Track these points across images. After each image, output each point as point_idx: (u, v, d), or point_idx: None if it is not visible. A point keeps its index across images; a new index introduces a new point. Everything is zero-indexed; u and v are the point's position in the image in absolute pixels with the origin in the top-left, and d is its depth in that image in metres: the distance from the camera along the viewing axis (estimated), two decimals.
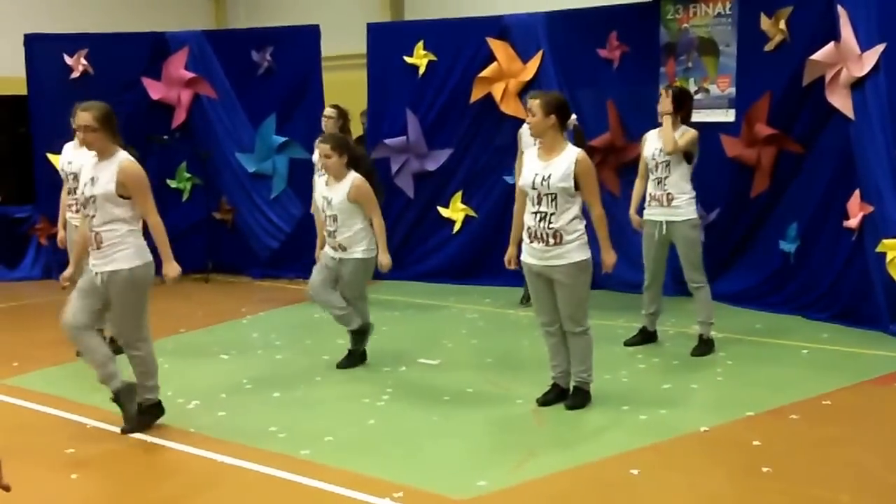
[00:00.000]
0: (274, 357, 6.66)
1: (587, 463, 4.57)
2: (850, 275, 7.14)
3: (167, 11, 12.27)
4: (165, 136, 9.60)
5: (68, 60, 9.53)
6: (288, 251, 9.55)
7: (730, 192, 7.87)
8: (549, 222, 5.04)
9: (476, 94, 8.97)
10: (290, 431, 5.05)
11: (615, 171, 8.45)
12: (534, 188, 5.07)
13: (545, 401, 5.38)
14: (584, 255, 5.09)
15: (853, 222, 7.01)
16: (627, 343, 6.68)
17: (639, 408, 5.31)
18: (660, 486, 4.27)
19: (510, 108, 8.79)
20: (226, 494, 4.35)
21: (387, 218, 6.45)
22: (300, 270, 9.42)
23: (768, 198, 7.78)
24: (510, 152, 8.03)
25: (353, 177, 6.05)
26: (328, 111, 8.19)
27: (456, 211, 9.27)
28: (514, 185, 6.22)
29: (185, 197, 9.88)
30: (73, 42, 9.62)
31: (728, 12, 7.89)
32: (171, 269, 5.00)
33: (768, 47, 7.60)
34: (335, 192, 6.03)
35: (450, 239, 9.34)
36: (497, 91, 8.86)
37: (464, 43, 9.01)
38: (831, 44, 7.01)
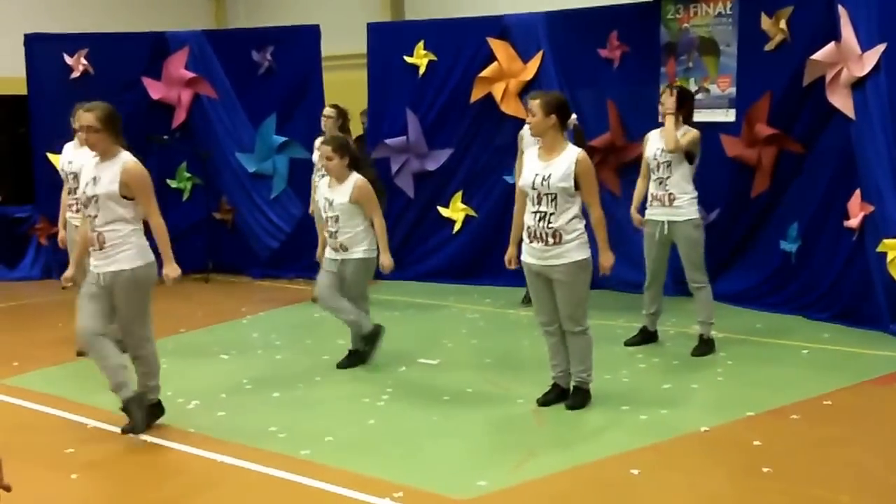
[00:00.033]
0: (274, 357, 6.66)
1: (587, 463, 4.56)
2: (851, 275, 7.13)
3: (167, 11, 12.28)
4: (165, 136, 9.60)
5: (68, 60, 9.53)
6: (288, 251, 9.56)
7: (730, 192, 7.87)
8: (549, 222, 5.04)
9: (476, 94, 8.96)
10: (290, 431, 5.05)
11: (615, 171, 8.44)
12: (534, 188, 5.07)
13: (545, 401, 5.38)
14: (584, 254, 5.09)
15: (854, 222, 7.00)
16: (628, 343, 6.68)
17: (639, 408, 5.31)
18: (660, 487, 4.27)
19: (510, 108, 8.79)
20: (226, 495, 4.34)
21: (387, 218, 6.45)
22: (300, 270, 9.45)
23: (769, 198, 7.78)
24: (510, 152, 8.02)
25: (356, 178, 6.05)
26: (327, 111, 8.19)
27: (456, 211, 9.27)
28: (514, 185, 6.22)
29: (185, 197, 9.89)
30: (73, 42, 9.62)
31: (728, 12, 7.88)
32: (172, 270, 5.00)
33: (769, 47, 7.60)
34: (337, 194, 6.04)
35: (450, 239, 9.34)
36: (497, 91, 8.85)
37: (464, 43, 9.01)
38: (832, 44, 7.00)
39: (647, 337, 6.71)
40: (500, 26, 8.91)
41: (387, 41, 9.41)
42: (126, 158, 4.88)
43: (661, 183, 6.35)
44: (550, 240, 5.05)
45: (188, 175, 9.87)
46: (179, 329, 7.42)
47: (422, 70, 9.18)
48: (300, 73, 9.50)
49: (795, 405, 5.33)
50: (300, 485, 4.33)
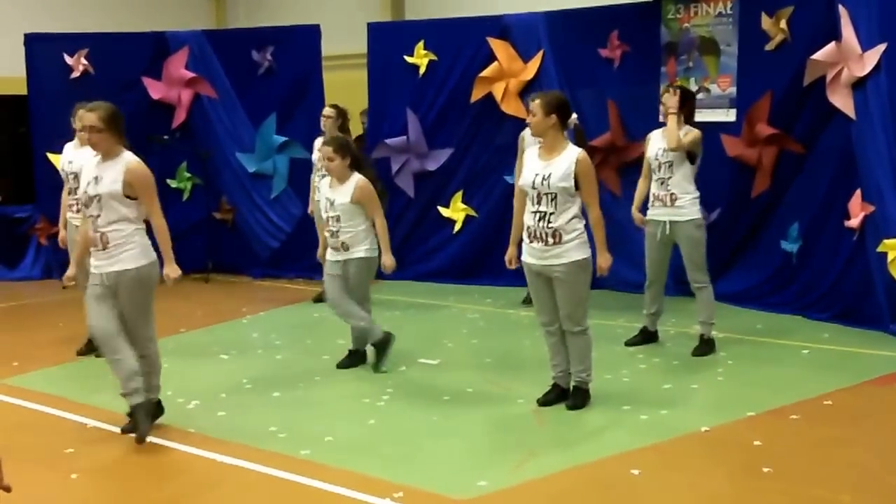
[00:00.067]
0: (274, 357, 6.66)
1: (588, 463, 4.56)
2: (852, 275, 7.13)
3: (167, 11, 12.28)
4: (166, 136, 9.59)
5: (68, 60, 9.53)
6: (288, 251, 9.56)
7: (731, 191, 7.87)
8: (549, 222, 5.03)
9: (476, 94, 8.96)
10: (290, 431, 5.05)
11: (616, 171, 8.44)
12: (534, 188, 5.07)
13: (546, 401, 5.37)
14: (584, 253, 5.09)
15: (854, 222, 7.00)
16: (628, 343, 6.67)
17: (639, 408, 5.31)
18: (660, 487, 4.27)
19: (511, 107, 8.78)
20: (226, 494, 4.34)
21: (387, 218, 6.44)
22: (300, 270, 9.46)
23: (769, 198, 7.78)
24: (511, 152, 8.02)
25: (357, 178, 6.05)
26: (327, 111, 8.19)
27: (456, 211, 9.27)
28: (514, 185, 6.22)
29: (185, 197, 9.88)
30: (73, 42, 9.61)
31: (729, 12, 7.88)
32: (172, 270, 4.99)
33: (769, 47, 7.59)
34: (338, 194, 6.03)
35: (450, 239, 9.33)
36: (497, 91, 8.85)
37: (464, 42, 9.00)
38: (832, 43, 7.00)
39: (647, 337, 6.71)
40: (500, 26, 8.91)
41: (387, 41, 9.40)
42: (129, 158, 4.88)
43: (662, 183, 6.34)
44: (550, 240, 5.05)
45: (188, 175, 9.87)
46: (179, 329, 7.41)
47: (422, 70, 9.18)
48: (300, 72, 9.49)
49: (796, 405, 5.32)
50: (300, 485, 4.33)
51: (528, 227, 5.14)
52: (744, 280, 7.88)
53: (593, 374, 5.40)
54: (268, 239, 9.72)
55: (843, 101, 7.03)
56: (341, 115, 8.15)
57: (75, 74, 9.51)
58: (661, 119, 6.71)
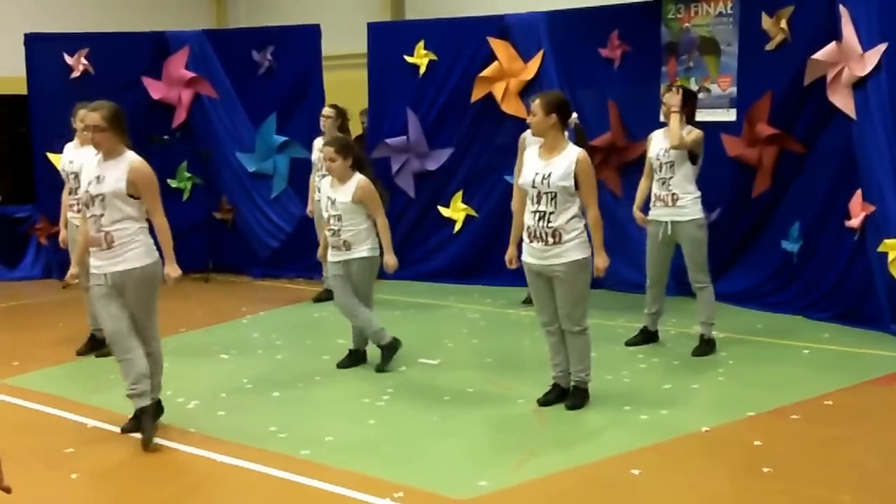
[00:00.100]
0: (274, 357, 6.65)
1: (588, 463, 4.56)
2: (853, 275, 7.13)
3: (168, 11, 12.28)
4: (166, 136, 9.59)
5: (69, 60, 9.52)
6: (288, 251, 9.55)
7: (731, 191, 7.86)
8: (549, 221, 5.03)
9: (477, 94, 8.96)
10: (290, 431, 5.04)
11: (616, 171, 8.44)
12: (534, 187, 5.06)
13: (546, 401, 5.37)
14: (583, 253, 5.08)
15: (855, 222, 7.00)
16: (628, 343, 6.67)
17: (640, 408, 5.30)
18: (661, 487, 4.27)
19: (511, 107, 8.78)
20: (226, 494, 4.34)
21: (388, 217, 6.43)
22: (301, 270, 9.46)
23: (770, 197, 7.77)
24: (511, 152, 8.01)
25: (359, 178, 6.04)
26: (326, 111, 8.20)
27: (457, 210, 9.27)
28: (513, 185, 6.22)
29: (185, 196, 9.88)
30: (73, 42, 9.61)
31: (729, 11, 7.88)
32: (173, 270, 4.98)
33: (770, 47, 7.59)
34: (340, 193, 6.03)
35: (450, 238, 9.33)
36: (498, 90, 8.85)
37: (464, 42, 9.00)
38: (833, 43, 7.00)
39: (647, 337, 6.70)
40: (500, 26, 8.91)
41: (387, 41, 9.40)
42: (133, 157, 4.88)
43: (664, 183, 6.34)
44: (550, 239, 5.04)
45: (188, 175, 9.87)
46: (179, 329, 7.41)
47: (422, 70, 9.18)
48: (300, 72, 9.49)
49: (796, 405, 5.32)
50: (300, 485, 4.33)
51: (528, 227, 5.14)
52: (744, 280, 7.88)
53: (593, 374, 5.39)
54: (268, 239, 9.71)
55: (843, 100, 7.02)
56: (341, 115, 8.15)
57: (75, 74, 9.50)
58: (661, 119, 6.71)
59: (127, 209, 4.82)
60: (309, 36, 9.46)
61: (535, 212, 5.09)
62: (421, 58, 9.17)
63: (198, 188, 9.88)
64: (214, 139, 9.72)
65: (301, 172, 9.07)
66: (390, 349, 6.23)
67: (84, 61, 9.51)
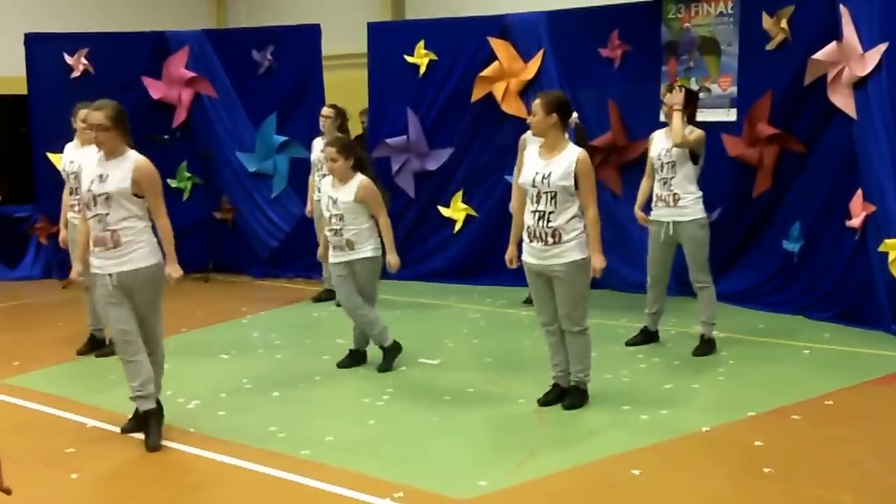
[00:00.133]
0: (274, 357, 6.65)
1: (588, 463, 4.56)
2: (853, 274, 7.12)
3: (168, 11, 12.27)
4: (166, 136, 9.58)
5: (69, 60, 9.52)
6: (288, 250, 9.55)
7: (732, 191, 7.85)
8: (548, 221, 5.03)
9: (477, 94, 8.95)
10: (290, 431, 5.04)
11: (617, 171, 8.43)
12: (534, 186, 5.06)
13: (546, 401, 5.37)
14: (583, 253, 5.07)
15: (856, 222, 6.99)
16: (629, 343, 6.66)
17: (640, 408, 5.30)
18: (661, 487, 4.26)
19: (511, 107, 8.78)
20: (226, 494, 4.34)
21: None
22: (300, 270, 9.46)
23: (770, 197, 7.77)
24: (511, 151, 8.00)
25: (361, 178, 6.04)
26: (326, 111, 8.20)
27: (457, 210, 9.26)
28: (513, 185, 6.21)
29: (185, 196, 9.87)
30: (73, 41, 9.61)
31: (730, 11, 7.87)
32: (175, 270, 4.97)
33: (770, 46, 7.59)
34: (341, 192, 6.02)
35: (451, 238, 9.33)
36: (498, 90, 8.85)
37: (465, 42, 9.00)
38: (833, 43, 6.99)
39: (648, 337, 6.70)
40: (500, 25, 8.91)
41: (387, 40, 9.40)
42: (137, 156, 4.88)
43: (665, 183, 6.34)
44: (550, 239, 5.04)
45: (189, 174, 9.86)
46: (179, 329, 7.40)
47: (422, 69, 9.17)
48: (301, 72, 9.49)
49: (797, 405, 5.32)
50: (300, 485, 4.32)
51: (528, 227, 5.13)
52: (745, 280, 7.87)
53: (593, 374, 5.39)
54: (268, 238, 9.71)
55: (844, 100, 7.02)
56: (340, 115, 8.15)
57: (75, 74, 9.50)
58: (662, 119, 6.70)
59: (132, 208, 4.81)
60: (309, 36, 9.46)
61: (534, 211, 5.08)
62: (421, 58, 9.16)
63: (198, 188, 9.88)
64: (214, 139, 9.72)
65: (301, 172, 9.06)
66: (392, 351, 6.23)
67: (84, 61, 9.50)
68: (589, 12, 8.71)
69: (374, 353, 6.34)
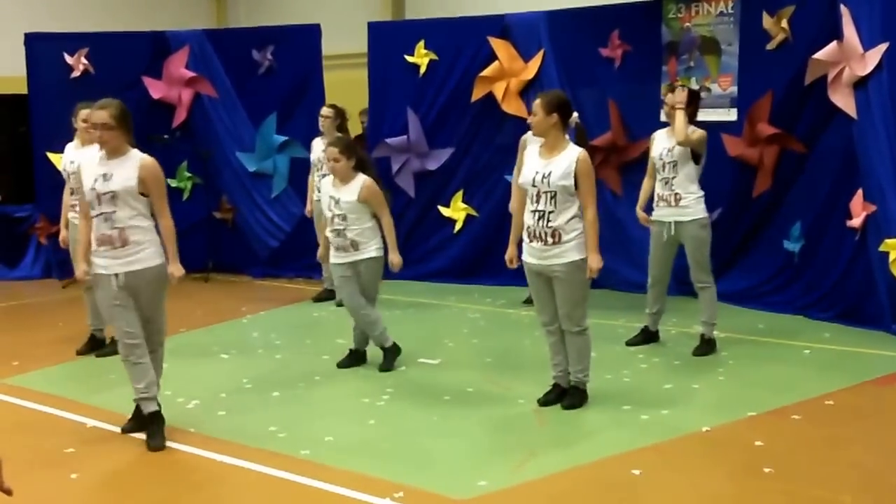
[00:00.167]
0: (274, 357, 6.65)
1: (588, 463, 4.55)
2: (854, 274, 7.13)
3: (168, 10, 12.28)
4: (166, 136, 9.58)
5: (69, 59, 9.52)
6: (288, 250, 9.55)
7: (732, 191, 7.85)
8: (548, 221, 5.02)
9: (477, 94, 8.95)
10: (290, 431, 5.04)
11: (617, 171, 8.43)
12: (534, 185, 5.06)
13: (546, 401, 5.37)
14: (583, 253, 5.06)
15: (856, 222, 6.99)
16: (629, 343, 6.66)
17: (640, 408, 5.30)
18: (661, 487, 4.26)
19: (511, 107, 8.78)
20: (226, 494, 4.34)
21: None
22: (300, 270, 9.45)
23: (770, 197, 7.77)
24: (511, 151, 8.00)
25: (363, 178, 6.03)
26: (325, 111, 8.19)
27: (457, 210, 9.26)
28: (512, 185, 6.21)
29: (185, 196, 9.87)
30: (73, 41, 9.60)
31: (730, 11, 7.87)
32: (177, 269, 4.96)
33: (770, 46, 7.58)
34: (344, 192, 6.01)
35: (451, 238, 9.33)
36: (498, 90, 8.85)
37: (465, 42, 8.99)
38: (834, 43, 6.99)
39: (648, 337, 6.69)
40: (501, 25, 8.90)
41: (387, 40, 9.39)
42: (142, 155, 4.87)
43: (666, 183, 6.33)
44: (550, 239, 5.04)
45: (189, 174, 9.86)
46: (179, 328, 7.39)
47: (422, 69, 9.17)
48: (301, 72, 9.49)
49: (797, 405, 5.32)
50: (300, 485, 4.32)
51: (528, 227, 5.13)
52: (745, 279, 7.87)
53: (593, 374, 5.38)
54: (267, 238, 9.71)
55: (844, 100, 7.02)
56: (339, 115, 8.14)
57: (75, 74, 9.50)
58: (662, 118, 6.69)
59: (139, 206, 4.81)
60: (309, 35, 9.46)
61: (534, 211, 5.08)
62: (421, 57, 9.16)
63: (198, 188, 9.88)
64: (214, 139, 9.72)
65: (301, 172, 9.06)
66: (392, 352, 6.23)
67: (84, 61, 9.50)
68: (589, 12, 8.70)
69: (374, 353, 6.33)
